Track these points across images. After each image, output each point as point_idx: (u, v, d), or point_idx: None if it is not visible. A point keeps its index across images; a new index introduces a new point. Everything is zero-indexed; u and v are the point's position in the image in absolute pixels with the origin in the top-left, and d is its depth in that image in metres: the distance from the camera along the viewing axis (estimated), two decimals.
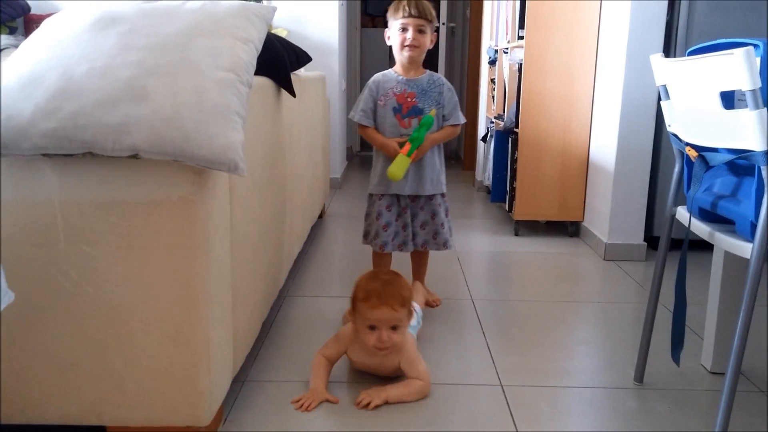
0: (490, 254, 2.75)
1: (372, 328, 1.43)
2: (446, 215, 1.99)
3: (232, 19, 1.21)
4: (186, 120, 1.04)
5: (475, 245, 2.85)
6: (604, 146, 2.72)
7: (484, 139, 3.91)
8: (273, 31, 3.64)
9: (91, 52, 1.10)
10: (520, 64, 2.93)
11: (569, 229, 3.02)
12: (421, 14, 1.82)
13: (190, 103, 1.05)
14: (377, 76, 1.94)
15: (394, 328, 1.43)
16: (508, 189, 3.19)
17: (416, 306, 1.69)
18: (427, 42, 1.87)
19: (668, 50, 2.54)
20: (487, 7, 4.11)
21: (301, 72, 2.43)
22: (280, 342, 1.75)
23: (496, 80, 3.63)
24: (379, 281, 1.47)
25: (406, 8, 1.83)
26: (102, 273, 1.12)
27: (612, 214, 2.62)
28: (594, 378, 1.58)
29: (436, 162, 1.95)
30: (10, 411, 1.16)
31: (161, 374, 1.15)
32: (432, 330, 1.83)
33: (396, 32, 1.86)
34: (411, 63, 1.88)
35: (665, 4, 2.46)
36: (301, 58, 2.13)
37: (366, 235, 2.00)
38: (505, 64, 3.33)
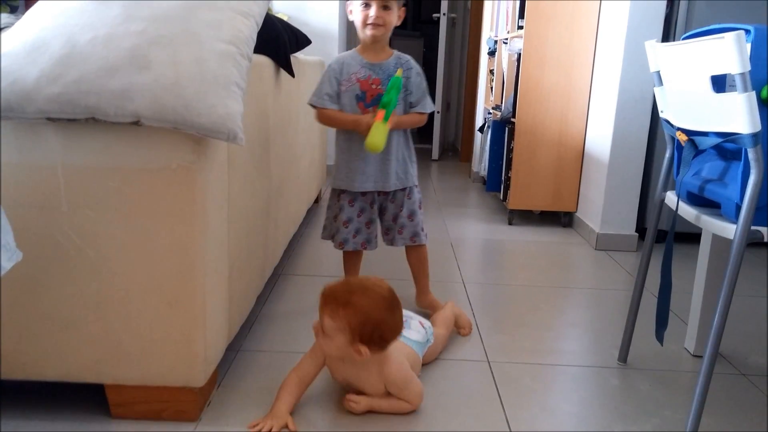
0: (484, 242, 2.78)
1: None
2: (419, 207, 1.79)
3: None
4: (187, 89, 1.07)
5: (468, 233, 2.88)
6: (599, 137, 2.75)
7: (481, 129, 3.94)
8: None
9: (95, 21, 1.13)
10: (519, 55, 2.96)
11: (562, 219, 3.05)
12: None
13: (191, 72, 1.08)
14: (341, 56, 1.73)
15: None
16: (503, 179, 3.22)
17: (425, 322, 1.54)
18: (394, 19, 1.67)
19: (667, 41, 2.57)
20: None
21: (300, 55, 2.45)
22: (274, 316, 1.78)
23: (495, 71, 3.65)
24: (360, 283, 1.31)
25: None
26: (103, 237, 1.15)
27: (605, 204, 2.66)
28: (579, 357, 1.62)
29: (402, 152, 1.75)
30: (12, 368, 1.20)
31: (159, 336, 1.19)
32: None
33: (358, 8, 1.66)
34: (375, 43, 1.68)
35: None
36: (300, 40, 2.15)
37: (324, 230, 1.84)
38: (504, 54, 3.36)
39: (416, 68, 1.74)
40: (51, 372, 1.21)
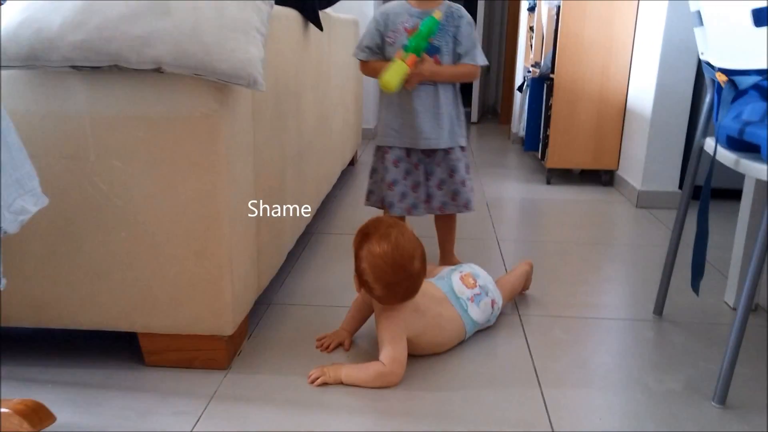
0: (520, 201, 2.73)
1: None
2: (467, 171, 1.71)
3: None
4: (207, 34, 1.07)
5: (504, 193, 2.84)
6: (642, 92, 2.65)
7: (520, 88, 3.84)
8: None
9: None
10: (558, 8, 2.86)
11: (603, 178, 2.97)
12: None
13: (211, 18, 1.08)
14: (387, 5, 1.64)
15: None
16: (541, 137, 3.14)
17: (499, 301, 1.46)
18: None
19: None
20: None
21: (332, 12, 2.43)
22: (306, 273, 1.80)
23: (534, 27, 3.54)
24: (386, 224, 1.28)
25: None
26: (130, 187, 1.17)
27: (647, 160, 2.57)
28: (612, 310, 1.59)
29: (451, 109, 1.66)
30: (48, 317, 1.24)
31: (187, 285, 1.21)
32: None
33: None
34: None
35: None
36: None
37: (369, 195, 1.76)
38: (544, 9, 3.25)
39: (467, 17, 1.63)
40: (86, 321, 1.25)
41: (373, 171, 1.74)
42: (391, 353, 1.22)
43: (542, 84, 3.12)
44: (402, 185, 1.67)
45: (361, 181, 3.03)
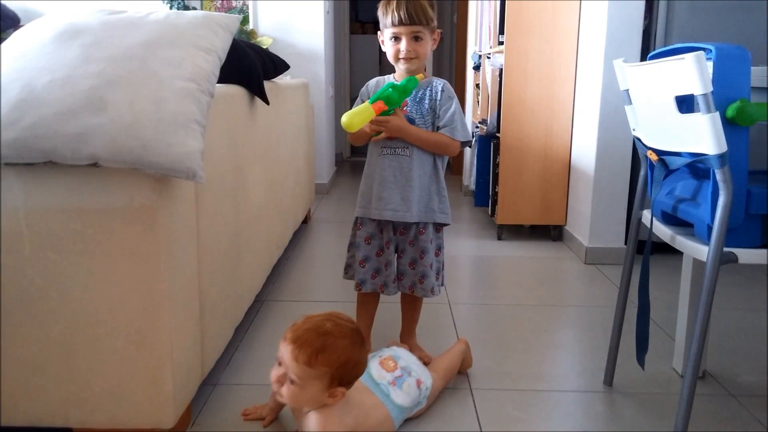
0: (472, 258, 2.76)
1: (279, 363, 1.21)
2: (437, 254, 1.63)
3: (195, 30, 1.23)
4: (144, 129, 1.06)
5: (457, 250, 2.86)
6: (584, 150, 2.74)
7: (469, 144, 3.92)
8: (258, 40, 3.68)
9: (54, 63, 1.12)
10: (501, 69, 2.96)
11: (552, 232, 3.04)
12: (413, 19, 1.49)
13: (149, 112, 1.07)
14: (372, 81, 1.66)
15: (291, 381, 1.18)
16: (491, 193, 3.20)
17: (425, 380, 1.39)
18: (427, 48, 1.54)
19: (646, 54, 2.56)
20: (472, 12, 4.14)
21: (282, 79, 2.45)
22: (255, 346, 1.76)
23: (480, 85, 3.65)
24: (323, 324, 1.20)
25: (395, 13, 1.49)
26: (66, 278, 1.14)
27: (593, 217, 2.64)
28: (564, 382, 1.59)
29: (427, 182, 1.58)
30: None
31: (126, 377, 1.17)
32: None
33: (388, 41, 1.55)
34: (410, 73, 1.55)
35: (642, 6, 2.48)
36: (278, 66, 2.16)
37: (346, 269, 1.69)
38: (488, 69, 3.36)
39: (449, 92, 1.58)
40: (20, 416, 1.19)
41: (350, 245, 1.68)
42: None
43: (489, 142, 3.20)
44: (374, 262, 1.62)
45: (315, 238, 3.02)
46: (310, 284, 2.35)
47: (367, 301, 1.70)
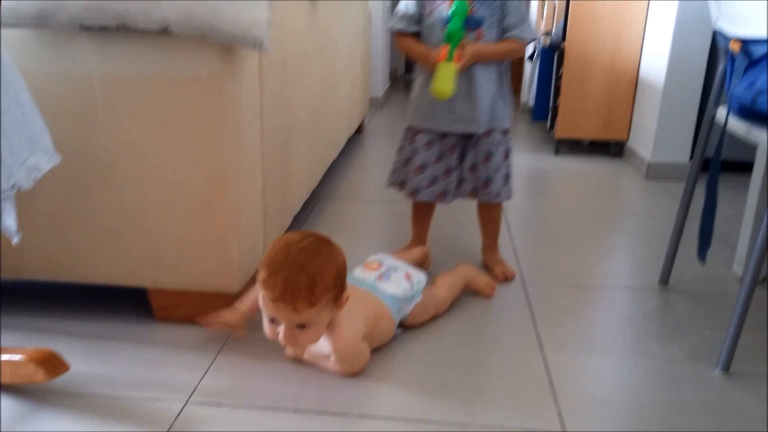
0: (527, 171, 2.72)
1: (272, 320, 1.10)
2: (505, 158, 1.54)
3: None
4: None
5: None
6: (655, 61, 2.61)
7: (531, 57, 3.80)
8: None
9: None
10: None
11: (612, 149, 2.95)
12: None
13: None
14: None
15: (301, 326, 1.08)
16: (551, 107, 3.12)
17: (415, 275, 1.34)
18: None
19: None
20: None
21: None
22: None
23: None
24: (290, 259, 1.05)
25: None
26: (138, 147, 1.18)
27: (658, 131, 2.55)
28: (618, 279, 1.59)
29: (492, 88, 1.48)
30: (61, 271, 1.27)
31: (194, 243, 1.23)
32: (456, 231, 1.85)
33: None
34: None
35: None
36: None
37: (392, 175, 1.59)
38: None
39: None
40: (97, 275, 1.27)
41: (399, 149, 1.58)
42: (362, 361, 1.15)
43: (553, 53, 3.08)
44: (432, 169, 1.52)
45: (369, 148, 3.03)
46: (362, 185, 2.38)
47: (422, 210, 1.64)
